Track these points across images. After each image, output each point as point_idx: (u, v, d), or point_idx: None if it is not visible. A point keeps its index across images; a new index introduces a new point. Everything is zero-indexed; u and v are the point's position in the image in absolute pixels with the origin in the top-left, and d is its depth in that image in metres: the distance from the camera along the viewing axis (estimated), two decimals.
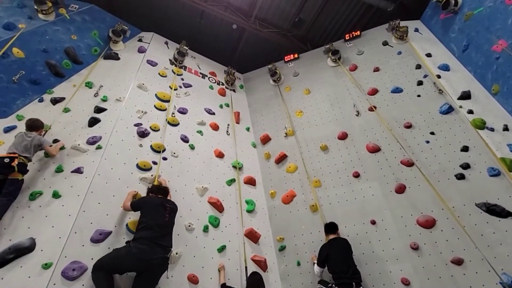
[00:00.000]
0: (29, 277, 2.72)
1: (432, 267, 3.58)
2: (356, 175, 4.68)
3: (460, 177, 4.01)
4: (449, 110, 4.64)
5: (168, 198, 3.59)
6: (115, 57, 5.57)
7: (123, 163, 3.96)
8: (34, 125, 3.58)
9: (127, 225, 3.44)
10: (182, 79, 6.07)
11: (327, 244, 3.80)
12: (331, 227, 3.91)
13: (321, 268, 3.74)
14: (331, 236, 3.84)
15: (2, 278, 2.66)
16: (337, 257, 3.58)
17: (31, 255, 2.84)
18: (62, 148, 3.79)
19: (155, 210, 3.19)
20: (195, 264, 3.67)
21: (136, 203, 3.35)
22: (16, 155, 3.18)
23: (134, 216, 3.44)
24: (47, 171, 3.53)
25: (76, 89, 4.62)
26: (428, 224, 3.85)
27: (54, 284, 2.74)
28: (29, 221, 3.07)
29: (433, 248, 3.69)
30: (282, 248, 4.44)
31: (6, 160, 3.07)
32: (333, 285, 3.44)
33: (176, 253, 3.54)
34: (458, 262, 3.47)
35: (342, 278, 3.40)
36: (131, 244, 2.94)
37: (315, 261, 3.87)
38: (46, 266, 2.79)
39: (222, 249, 3.99)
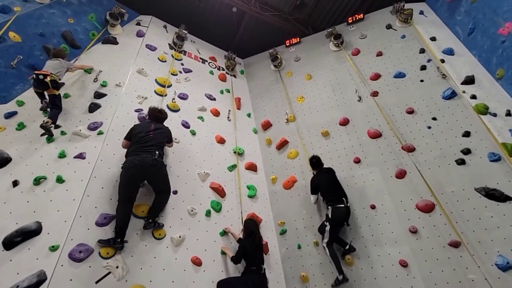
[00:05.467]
0: (37, 259, 2.79)
1: (429, 250, 3.67)
2: (357, 161, 4.70)
3: (461, 162, 4.03)
4: (452, 95, 4.60)
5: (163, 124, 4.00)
6: (114, 41, 5.45)
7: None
8: (59, 54, 4.19)
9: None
10: (182, 64, 5.98)
11: (316, 174, 4.42)
12: (317, 163, 4.46)
13: (315, 195, 4.35)
14: (318, 169, 4.43)
15: (11, 260, 2.73)
16: (325, 182, 4.21)
17: (38, 238, 2.91)
18: (89, 71, 4.58)
19: (140, 130, 3.65)
20: (198, 247, 3.75)
21: (127, 133, 3.75)
22: (48, 73, 3.76)
23: (137, 201, 3.49)
24: (50, 156, 3.54)
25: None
26: (427, 208, 3.90)
27: (62, 265, 2.82)
28: (35, 205, 3.11)
29: (432, 232, 3.76)
30: (283, 232, 4.53)
31: (41, 77, 3.68)
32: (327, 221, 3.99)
33: (180, 236, 3.63)
34: (456, 244, 3.55)
35: (332, 196, 4.03)
36: (124, 163, 3.42)
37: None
38: (53, 248, 2.86)
39: (224, 232, 4.07)
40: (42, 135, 3.62)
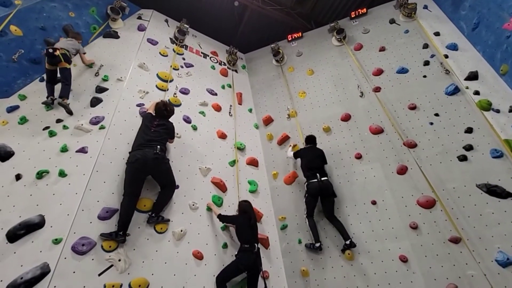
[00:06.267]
0: (41, 251, 2.82)
1: (430, 245, 3.68)
2: (358, 157, 4.70)
3: (463, 158, 4.02)
4: (455, 91, 4.57)
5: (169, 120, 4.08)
6: (115, 35, 5.43)
7: (127, 143, 3.95)
8: (76, 36, 4.49)
9: None
10: (184, 59, 5.96)
11: (306, 148, 4.75)
12: (311, 139, 4.78)
13: (294, 158, 4.82)
14: (309, 145, 4.77)
15: (15, 252, 2.76)
16: (309, 156, 4.54)
17: (41, 231, 2.93)
18: (91, 65, 4.65)
19: (144, 126, 3.79)
20: (199, 241, 3.78)
21: (143, 116, 4.08)
22: (59, 47, 3.97)
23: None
24: (52, 150, 3.55)
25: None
26: (428, 204, 3.91)
27: (65, 258, 2.85)
28: (37, 199, 3.13)
29: (432, 228, 3.77)
30: (284, 227, 4.55)
31: (50, 50, 3.87)
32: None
33: (181, 231, 3.66)
34: (456, 240, 3.56)
35: (309, 172, 4.35)
36: (128, 158, 3.55)
37: (292, 145, 5.14)
38: (56, 241, 2.89)
39: (225, 227, 4.09)
40: (67, 111, 3.90)
